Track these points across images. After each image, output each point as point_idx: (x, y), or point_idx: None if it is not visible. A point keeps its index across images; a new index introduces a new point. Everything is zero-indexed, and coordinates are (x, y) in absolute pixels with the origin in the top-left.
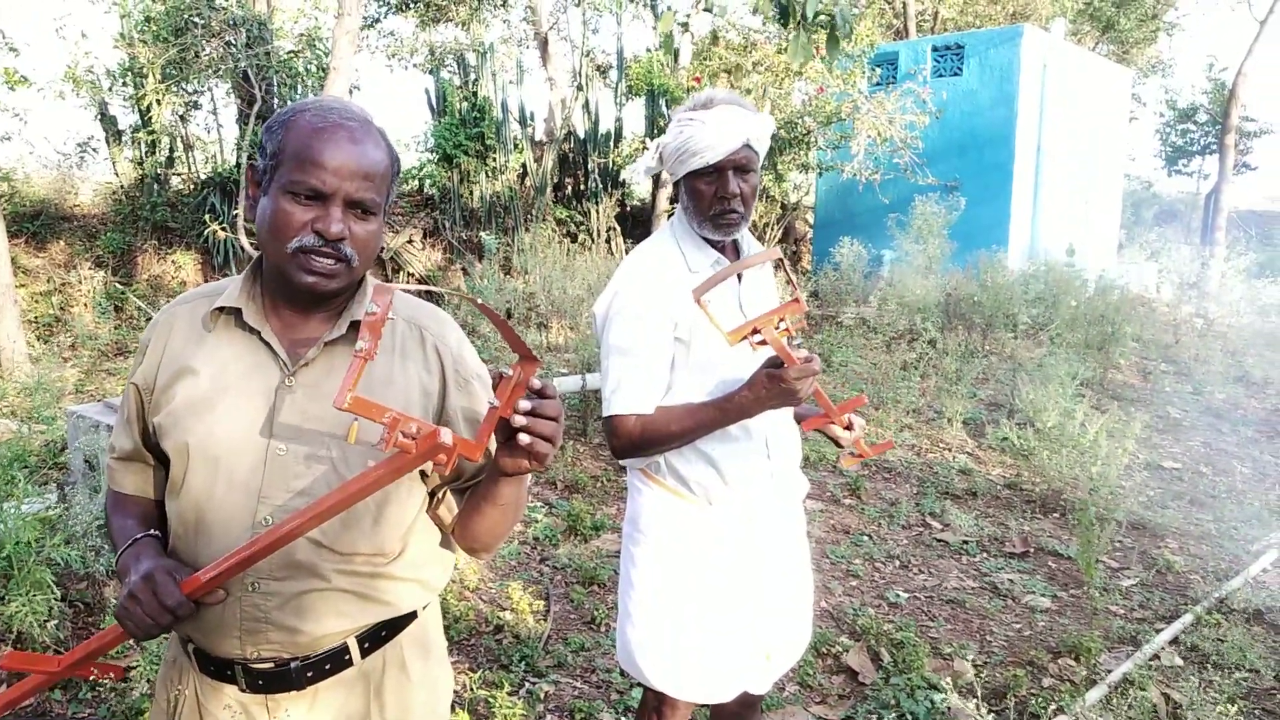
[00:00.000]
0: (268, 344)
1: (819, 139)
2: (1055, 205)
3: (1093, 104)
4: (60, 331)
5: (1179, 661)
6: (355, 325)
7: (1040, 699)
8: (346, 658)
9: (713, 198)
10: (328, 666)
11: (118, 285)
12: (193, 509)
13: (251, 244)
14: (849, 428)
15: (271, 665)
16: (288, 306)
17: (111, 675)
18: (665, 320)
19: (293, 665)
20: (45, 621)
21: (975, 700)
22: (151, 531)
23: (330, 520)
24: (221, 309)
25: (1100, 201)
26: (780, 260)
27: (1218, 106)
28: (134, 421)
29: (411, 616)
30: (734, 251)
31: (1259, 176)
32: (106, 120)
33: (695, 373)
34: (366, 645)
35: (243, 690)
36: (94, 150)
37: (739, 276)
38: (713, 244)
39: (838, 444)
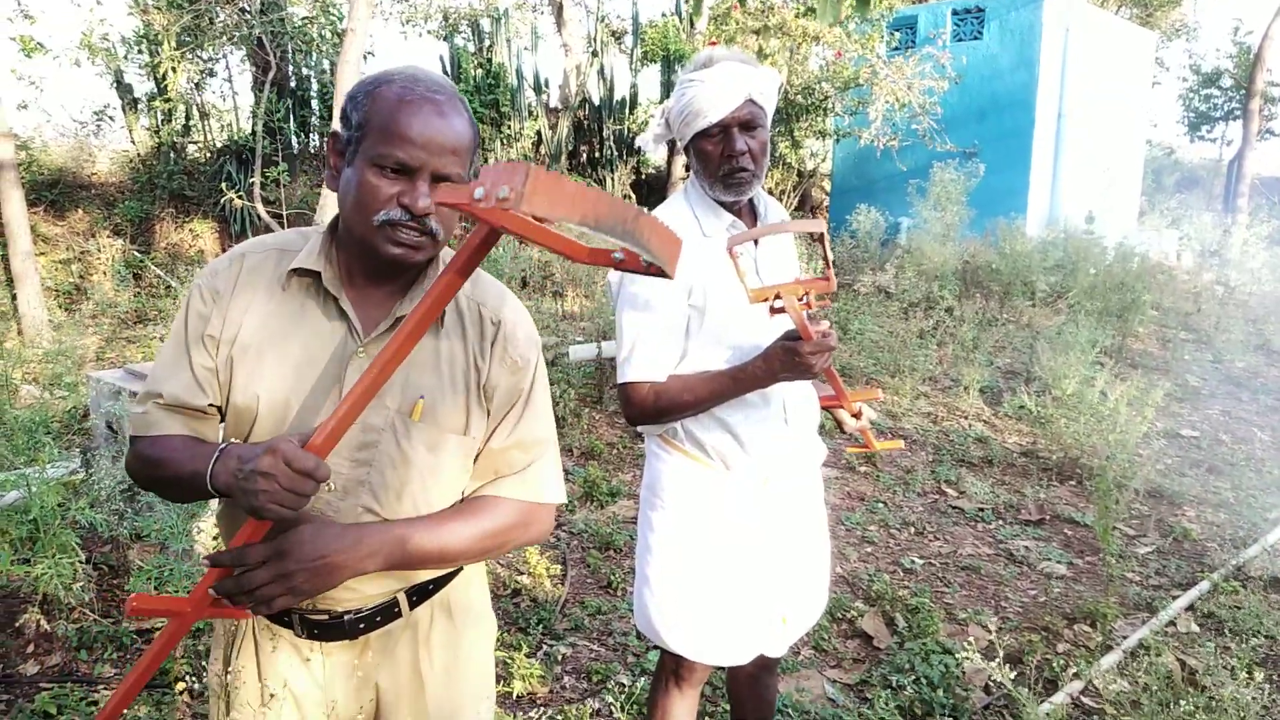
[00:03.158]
0: (344, 312)
1: (836, 105)
2: (1075, 172)
3: (1115, 68)
4: (80, 299)
5: (1195, 628)
6: None
7: (1056, 664)
8: (396, 610)
9: (720, 157)
10: (378, 619)
11: (136, 253)
12: None
13: (269, 212)
14: (857, 415)
15: (326, 616)
16: (364, 277)
17: (237, 619)
18: (679, 286)
19: (346, 617)
20: (71, 584)
21: (997, 660)
22: (231, 441)
23: (380, 490)
24: (298, 270)
25: (1121, 168)
26: (821, 234)
27: (1242, 71)
28: (200, 368)
29: (457, 571)
30: (750, 214)
31: None
32: (122, 88)
33: (709, 340)
34: (415, 598)
35: (298, 635)
36: (110, 118)
37: (755, 241)
38: (728, 207)
39: (841, 428)
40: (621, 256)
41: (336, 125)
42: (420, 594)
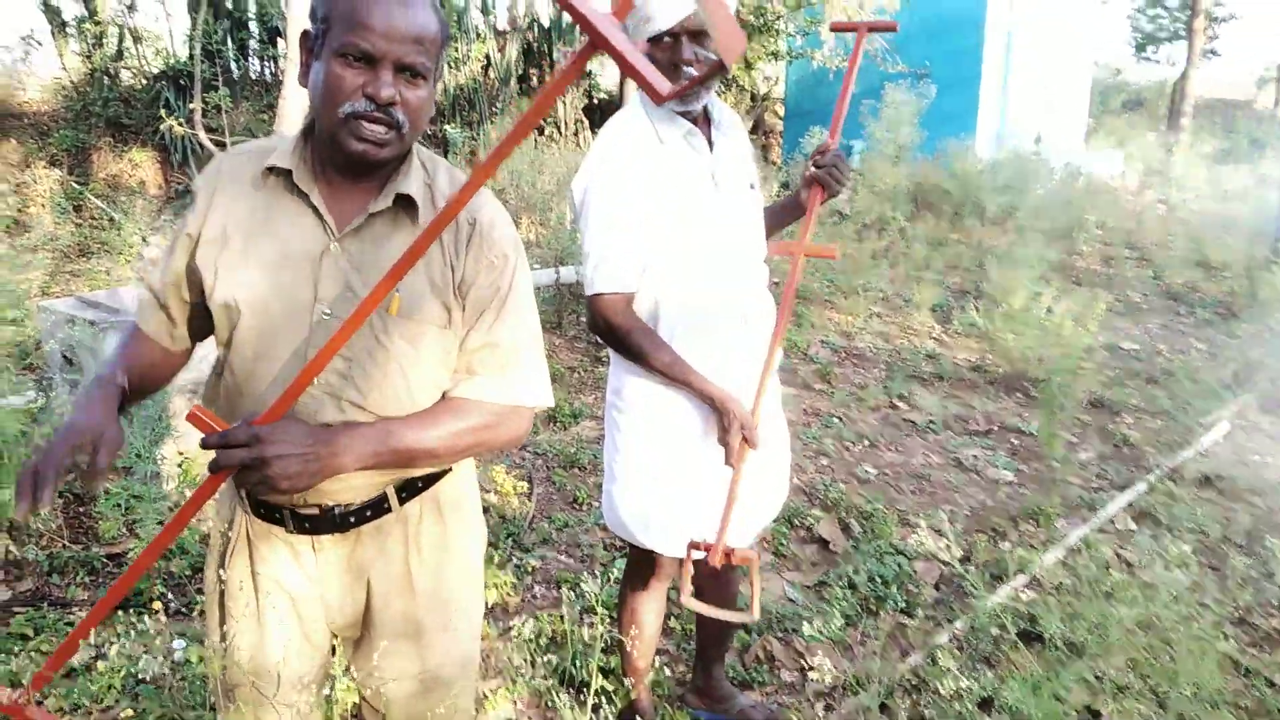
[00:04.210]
0: (315, 208)
1: (789, 25)
2: (1024, 92)
3: None
4: (19, 233)
5: (1132, 525)
6: (400, 198)
7: (1002, 560)
8: (385, 505)
9: (669, 65)
10: (368, 513)
11: (75, 184)
12: (241, 362)
13: (211, 140)
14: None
15: (316, 510)
16: (337, 173)
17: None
18: (642, 193)
19: (336, 510)
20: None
21: (945, 543)
22: (119, 381)
23: (363, 383)
24: (272, 169)
25: (1069, 89)
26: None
27: None
28: (179, 267)
29: (446, 471)
30: (705, 122)
31: (1225, 63)
32: (50, 11)
33: (671, 247)
34: (404, 494)
35: (289, 531)
36: (38, 43)
37: (710, 145)
38: (684, 116)
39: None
40: (694, 72)
41: (306, 24)
42: (410, 489)
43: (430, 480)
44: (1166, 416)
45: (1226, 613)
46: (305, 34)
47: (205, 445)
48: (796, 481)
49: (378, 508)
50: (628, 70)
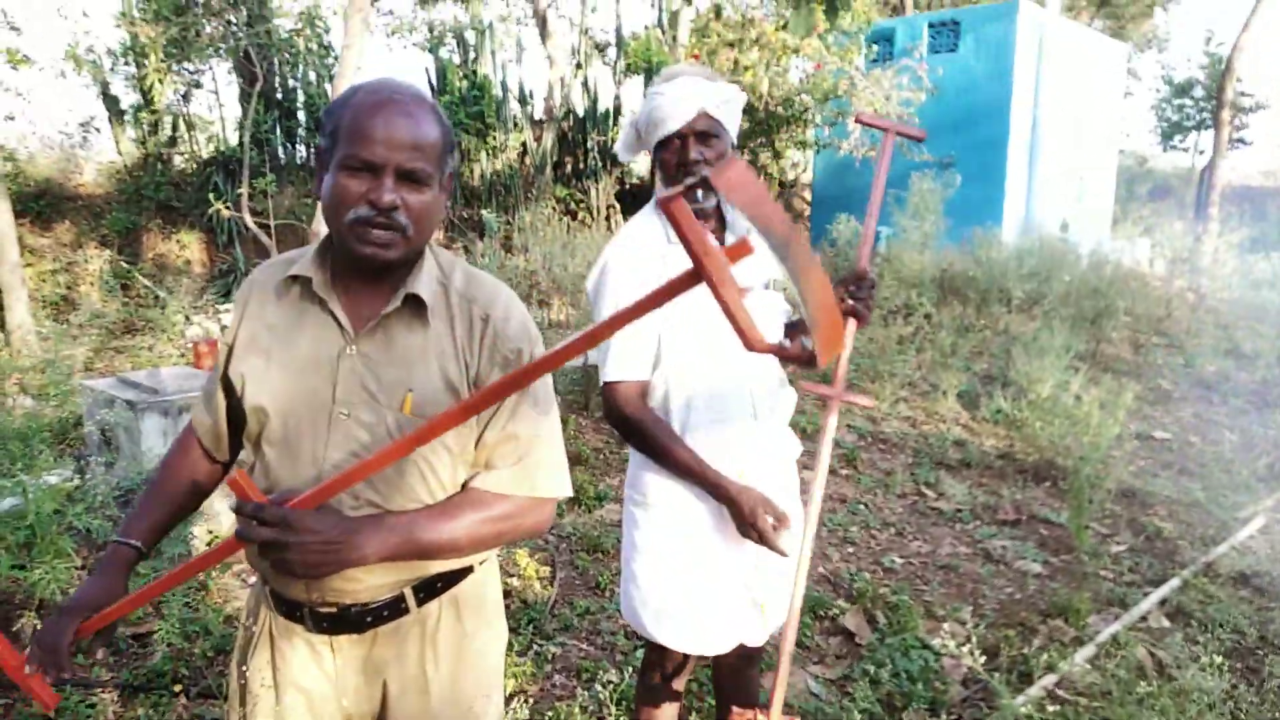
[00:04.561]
0: (333, 313)
1: (816, 116)
2: (1050, 181)
3: (1088, 79)
4: (68, 310)
5: (1166, 623)
6: (411, 298)
7: (1031, 658)
8: (403, 605)
9: (676, 166)
10: (385, 613)
11: (124, 264)
12: (266, 463)
13: (256, 223)
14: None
15: (334, 609)
16: (354, 278)
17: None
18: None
19: (353, 610)
20: (67, 588)
21: (968, 645)
22: (134, 543)
23: (380, 481)
24: (294, 277)
25: (1094, 177)
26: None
27: (1214, 81)
28: (219, 376)
29: (468, 570)
30: (719, 222)
31: (1254, 152)
32: (109, 99)
33: (676, 345)
34: (421, 595)
35: (309, 630)
36: (97, 130)
37: (721, 244)
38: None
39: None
40: (787, 344)
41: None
42: (428, 590)
43: (450, 581)
44: (1200, 509)
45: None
46: (319, 149)
47: (238, 512)
48: (821, 570)
49: (395, 608)
50: (730, 314)
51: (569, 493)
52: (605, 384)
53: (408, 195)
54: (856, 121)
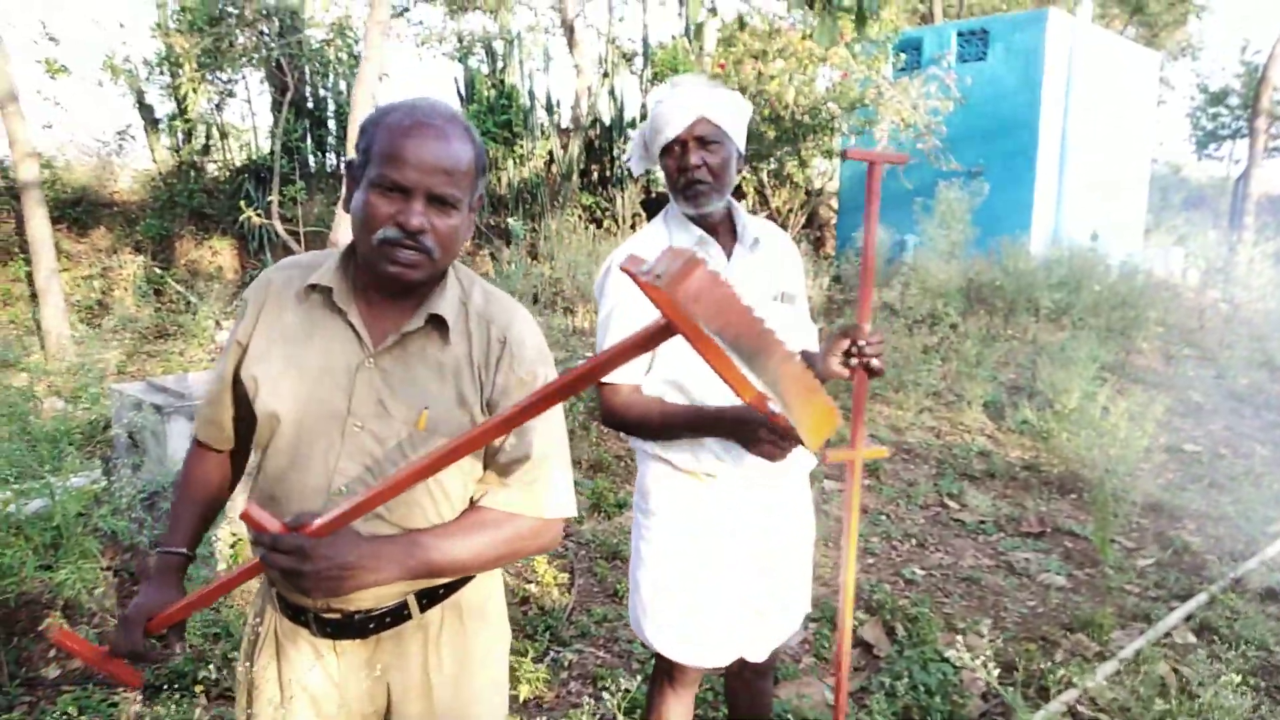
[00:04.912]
0: (352, 325)
1: (843, 125)
2: (1080, 190)
3: (1120, 88)
4: (102, 315)
5: (1192, 639)
6: (432, 318)
7: (1052, 673)
8: (406, 612)
9: (677, 171)
10: (389, 619)
11: (157, 270)
12: (276, 468)
13: (286, 230)
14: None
15: (339, 615)
16: (375, 292)
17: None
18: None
19: (356, 616)
20: (92, 589)
21: (981, 658)
22: (181, 550)
23: (394, 500)
24: (315, 285)
25: (1126, 186)
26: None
27: (1249, 90)
28: (227, 374)
29: (470, 577)
30: (729, 231)
31: None
32: (144, 108)
33: (671, 352)
34: (425, 602)
35: (313, 634)
36: (132, 138)
37: (728, 255)
38: (699, 223)
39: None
40: (778, 410)
41: (352, 154)
42: (430, 597)
43: (452, 588)
44: (1229, 523)
45: None
46: (350, 164)
47: (256, 544)
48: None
49: (398, 615)
50: (707, 356)
51: (574, 513)
52: (601, 385)
53: (436, 219)
54: (844, 157)
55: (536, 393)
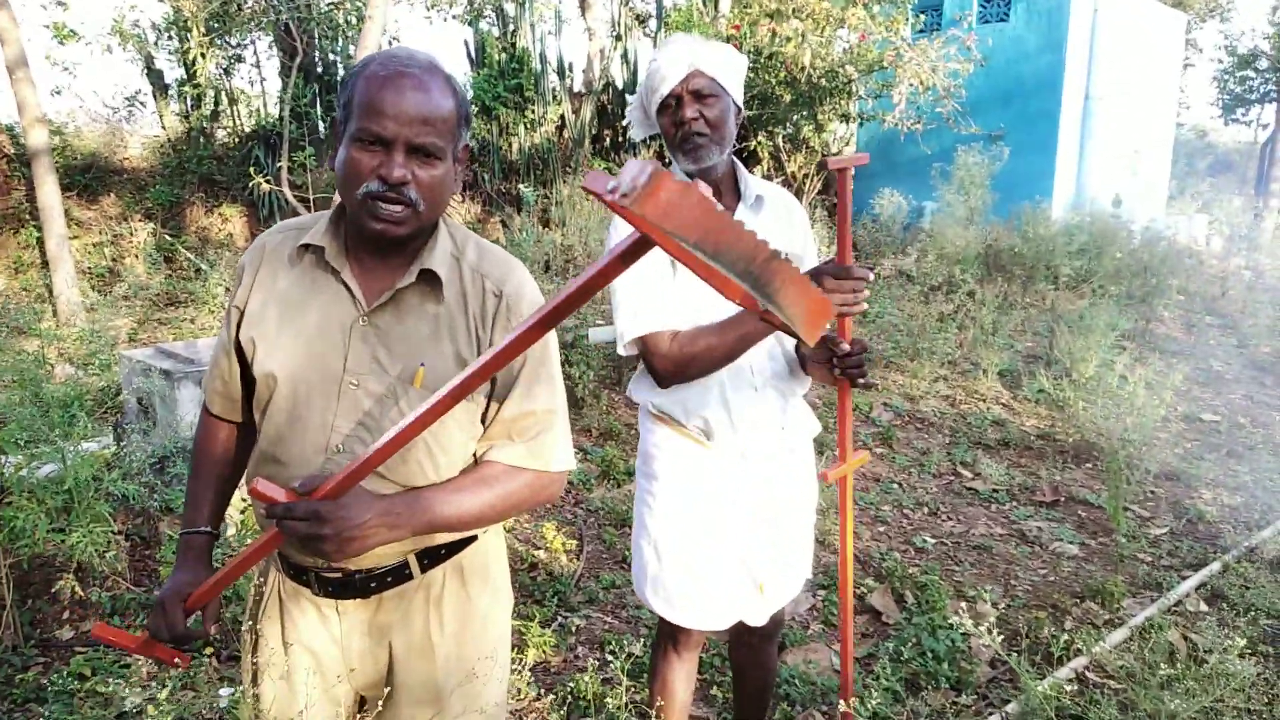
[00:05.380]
0: (346, 284)
1: (860, 88)
2: (1103, 155)
3: (1145, 50)
4: (113, 282)
5: (1204, 607)
6: (425, 273)
7: (1061, 640)
8: (407, 572)
9: (674, 128)
10: (389, 579)
11: (167, 237)
12: (275, 429)
13: (296, 196)
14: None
15: (340, 575)
16: (366, 249)
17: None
18: (659, 253)
19: (357, 576)
20: (104, 553)
21: (985, 624)
22: (206, 529)
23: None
24: (307, 246)
25: (1150, 151)
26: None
27: (1279, 53)
28: (229, 340)
29: (472, 538)
30: (732, 191)
31: None
32: (153, 74)
33: (686, 305)
34: (425, 562)
35: (315, 594)
36: (141, 104)
37: (731, 214)
38: (706, 182)
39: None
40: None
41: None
42: (432, 557)
43: (453, 548)
44: (1246, 492)
45: None
46: (334, 122)
47: (270, 516)
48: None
49: (399, 574)
50: (688, 262)
51: (573, 465)
52: (641, 338)
53: (418, 170)
54: (820, 168)
55: (532, 317)
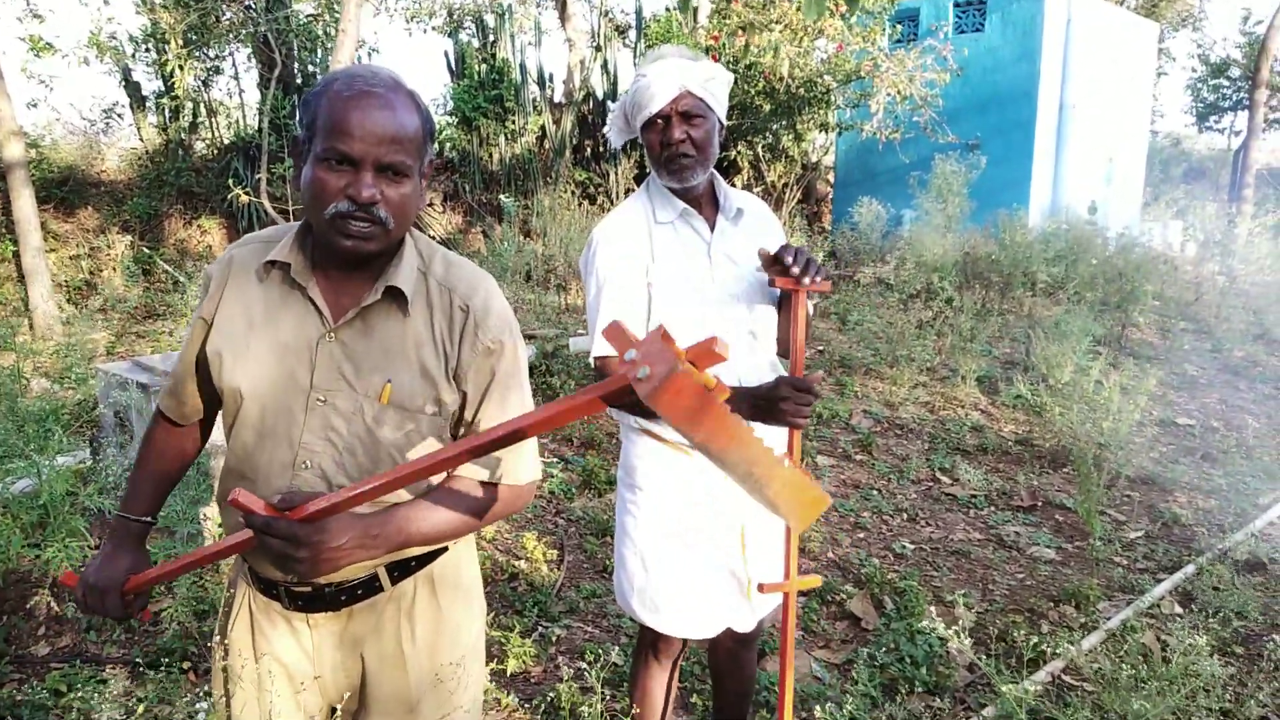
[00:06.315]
0: (312, 300)
1: (838, 98)
2: (1078, 163)
3: (1119, 59)
4: (90, 295)
5: (1178, 610)
6: (390, 290)
7: (1036, 644)
8: (377, 584)
9: (659, 146)
10: (360, 591)
11: (145, 250)
12: (242, 445)
13: (275, 208)
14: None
15: (309, 589)
16: (333, 265)
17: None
18: (637, 265)
19: (327, 589)
20: (79, 566)
21: (956, 628)
22: (147, 519)
23: (355, 471)
24: (274, 262)
25: (1125, 159)
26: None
27: (1250, 61)
28: (191, 352)
29: (443, 549)
30: (711, 204)
31: None
32: (130, 86)
33: (661, 318)
34: (396, 574)
35: (286, 607)
36: (119, 116)
37: (711, 227)
38: (682, 196)
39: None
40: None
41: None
42: (402, 569)
43: (424, 560)
44: (1220, 496)
45: (1269, 703)
46: (295, 140)
47: (249, 526)
48: (830, 555)
49: (370, 587)
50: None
51: (540, 475)
52: (597, 359)
53: (387, 188)
54: (761, 270)
55: (509, 423)
